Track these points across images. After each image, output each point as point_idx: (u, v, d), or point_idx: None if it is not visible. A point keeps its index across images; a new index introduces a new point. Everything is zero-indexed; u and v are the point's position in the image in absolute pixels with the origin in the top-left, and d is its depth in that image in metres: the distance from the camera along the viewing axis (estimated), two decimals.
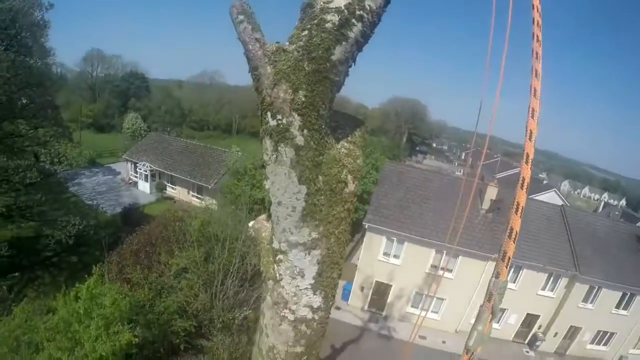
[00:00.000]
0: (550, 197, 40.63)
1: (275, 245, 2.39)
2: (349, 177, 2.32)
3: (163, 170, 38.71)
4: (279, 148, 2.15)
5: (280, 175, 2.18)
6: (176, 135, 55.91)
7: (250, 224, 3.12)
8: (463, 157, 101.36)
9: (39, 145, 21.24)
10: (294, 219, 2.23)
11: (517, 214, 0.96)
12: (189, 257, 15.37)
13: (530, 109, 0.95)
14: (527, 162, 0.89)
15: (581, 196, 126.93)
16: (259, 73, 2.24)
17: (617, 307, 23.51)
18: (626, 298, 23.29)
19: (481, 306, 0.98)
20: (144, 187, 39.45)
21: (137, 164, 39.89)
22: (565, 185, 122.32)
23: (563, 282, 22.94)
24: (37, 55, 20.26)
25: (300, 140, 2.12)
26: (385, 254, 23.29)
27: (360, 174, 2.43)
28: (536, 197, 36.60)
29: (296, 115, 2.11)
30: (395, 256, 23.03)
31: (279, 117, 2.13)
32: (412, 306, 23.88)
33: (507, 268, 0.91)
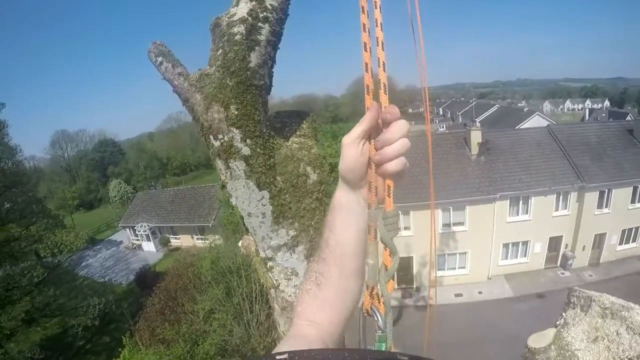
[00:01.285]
0: (535, 121, 40.69)
1: (262, 254, 2.45)
2: (308, 168, 2.37)
3: (162, 225, 38.55)
4: (229, 164, 2.22)
5: (240, 189, 2.24)
6: (163, 187, 55.73)
7: (240, 243, 3.18)
8: (441, 113, 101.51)
9: (36, 242, 21.17)
10: (267, 225, 2.29)
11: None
12: (212, 297, 15.35)
13: (363, 43, 0.94)
14: (367, 71, 0.89)
15: (565, 111, 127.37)
16: (190, 103, 2.32)
17: (633, 201, 23.63)
18: (638, 190, 23.52)
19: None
20: (149, 247, 39.26)
21: (135, 227, 39.66)
22: (547, 105, 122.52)
23: (573, 197, 23.05)
24: (4, 157, 20.23)
25: (246, 150, 2.18)
26: None
27: (320, 162, 2.49)
28: (522, 126, 36.85)
29: (235, 129, 2.17)
30: (406, 228, 23.09)
31: (220, 136, 2.20)
32: (439, 269, 23.97)
33: (389, 195, 0.89)
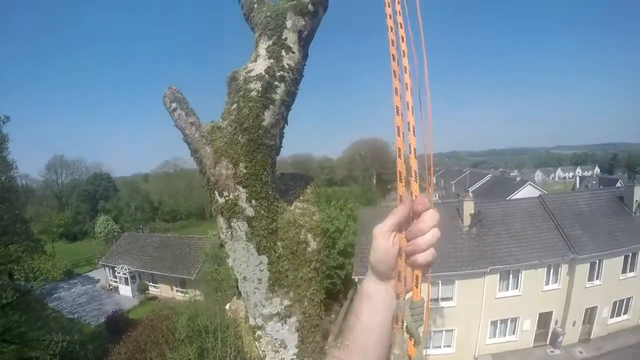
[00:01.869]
0: (527, 191, 41.34)
1: (252, 322, 2.30)
2: (309, 235, 2.30)
3: (143, 270, 37.58)
4: (232, 224, 2.13)
5: (239, 250, 2.14)
6: (150, 231, 55.01)
7: (227, 306, 3.03)
8: (434, 182, 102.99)
9: (12, 263, 20.57)
10: (262, 291, 2.17)
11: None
12: (183, 356, 14.65)
13: (395, 107, 0.94)
14: (399, 157, 0.87)
15: (556, 179, 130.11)
16: (199, 155, 2.26)
17: (624, 271, 23.59)
18: (629, 260, 23.48)
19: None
20: (126, 291, 38.06)
21: (115, 268, 38.69)
22: (539, 174, 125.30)
23: (564, 269, 22.90)
24: None
25: (250, 211, 2.10)
26: None
27: (320, 230, 2.41)
28: (514, 197, 37.21)
29: (241, 188, 2.10)
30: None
31: (225, 193, 2.12)
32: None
33: (417, 286, 0.87)
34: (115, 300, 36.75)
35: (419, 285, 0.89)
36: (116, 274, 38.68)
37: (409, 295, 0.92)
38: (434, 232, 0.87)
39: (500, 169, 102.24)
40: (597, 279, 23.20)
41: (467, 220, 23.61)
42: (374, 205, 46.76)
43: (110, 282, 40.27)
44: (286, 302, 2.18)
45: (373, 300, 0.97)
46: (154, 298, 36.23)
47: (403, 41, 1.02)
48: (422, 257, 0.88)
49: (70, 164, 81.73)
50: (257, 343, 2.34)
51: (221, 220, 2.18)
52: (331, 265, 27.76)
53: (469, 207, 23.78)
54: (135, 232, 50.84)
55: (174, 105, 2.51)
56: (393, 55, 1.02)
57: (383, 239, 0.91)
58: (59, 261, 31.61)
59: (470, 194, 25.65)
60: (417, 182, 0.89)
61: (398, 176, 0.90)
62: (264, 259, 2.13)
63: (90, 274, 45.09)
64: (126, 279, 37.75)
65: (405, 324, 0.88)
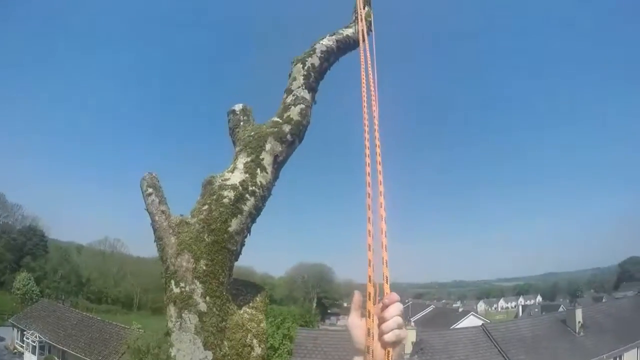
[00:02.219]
0: (470, 321, 41.64)
1: None
2: (255, 340, 2.42)
3: (54, 344, 33.94)
4: (182, 315, 2.24)
5: (185, 342, 2.22)
6: (71, 305, 50.93)
7: None
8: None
9: None
10: None
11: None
12: None
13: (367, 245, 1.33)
14: (370, 266, 1.28)
15: (499, 309, 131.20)
16: (163, 243, 2.46)
17: None
18: None
19: None
20: (31, 359, 34.14)
21: (25, 332, 34.92)
22: (481, 305, 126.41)
23: None
24: None
25: (203, 306, 2.25)
26: None
27: (266, 337, 2.56)
28: (457, 326, 37.34)
29: (198, 283, 2.28)
30: None
31: (182, 284, 2.28)
32: None
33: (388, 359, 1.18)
34: None
35: (389, 358, 1.12)
36: (25, 338, 34.79)
37: None
38: (396, 319, 1.13)
39: (443, 301, 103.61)
40: None
41: (408, 349, 23.37)
42: (312, 326, 45.93)
43: (17, 345, 36.14)
44: None
45: None
46: None
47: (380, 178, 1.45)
48: (387, 337, 1.12)
49: (7, 207, 76.51)
50: None
51: (172, 309, 2.31)
52: None
53: (410, 336, 23.65)
54: (55, 302, 47.05)
55: (150, 190, 2.74)
56: (368, 193, 1.42)
57: (353, 327, 1.23)
58: None
59: (412, 323, 25.81)
60: (387, 284, 1.20)
61: (368, 279, 1.23)
62: (209, 354, 2.23)
63: None
64: (34, 347, 33.94)
65: None
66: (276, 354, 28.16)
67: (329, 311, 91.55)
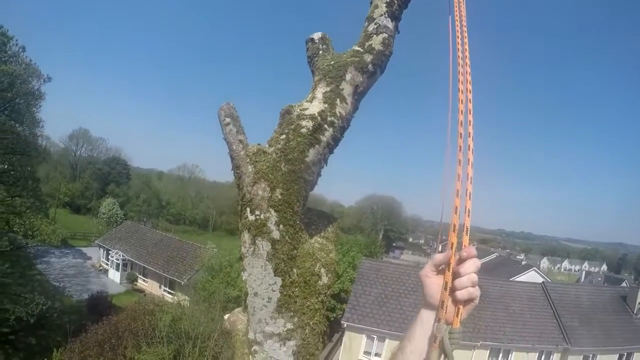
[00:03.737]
0: (531, 276, 40.72)
1: (251, 336, 2.42)
2: (322, 270, 2.43)
3: (136, 261, 37.55)
4: (256, 241, 2.28)
5: (257, 268, 2.28)
6: (152, 227, 55.23)
7: (226, 316, 3.15)
8: (440, 249, 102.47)
9: (14, 215, 20.67)
10: (269, 310, 2.29)
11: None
12: (158, 354, 14.53)
13: (457, 175, 1.22)
14: (455, 213, 1.14)
15: (562, 270, 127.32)
16: (240, 172, 2.45)
17: None
18: (624, 359, 22.79)
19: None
20: (115, 276, 38.02)
21: (110, 252, 38.80)
22: (545, 262, 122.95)
23: (556, 357, 22.41)
24: (27, 123, 20.48)
25: (276, 234, 2.26)
26: (366, 352, 22.37)
27: (334, 267, 2.56)
28: (517, 279, 36.66)
29: (273, 212, 2.28)
30: (377, 354, 22.12)
31: (257, 212, 2.29)
32: None
33: (457, 315, 1.09)
34: (102, 281, 36.67)
35: (459, 315, 1.09)
36: (109, 257, 38.76)
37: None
38: (471, 276, 1.08)
39: (507, 250, 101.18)
40: None
41: None
42: (376, 258, 46.69)
43: (102, 263, 40.35)
44: (289, 326, 2.31)
45: (424, 325, 1.18)
46: (141, 291, 36.05)
47: (470, 125, 1.32)
48: (459, 294, 1.08)
49: (92, 140, 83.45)
50: (250, 357, 2.46)
51: (246, 236, 2.35)
52: None
53: None
54: (137, 223, 51.11)
55: (227, 120, 2.72)
56: (460, 134, 1.32)
57: (428, 278, 1.19)
58: (59, 228, 31.62)
59: None
60: (467, 235, 1.14)
61: (452, 228, 1.16)
62: (279, 280, 2.27)
63: (84, 250, 45.29)
64: (118, 264, 37.77)
65: (442, 345, 1.07)
66: (339, 281, 29.13)
67: (393, 244, 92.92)
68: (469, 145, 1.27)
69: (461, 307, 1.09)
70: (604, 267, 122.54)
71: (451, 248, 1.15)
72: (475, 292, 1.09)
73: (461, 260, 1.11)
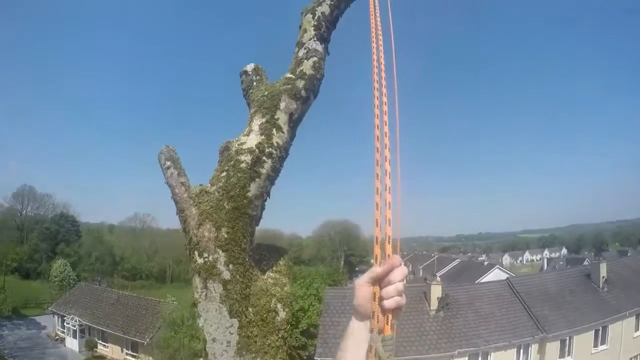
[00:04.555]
0: (495, 274, 41.68)
1: None
2: (279, 305, 2.39)
3: (94, 326, 35.25)
4: (207, 285, 2.22)
5: (212, 312, 2.21)
6: (107, 286, 52.77)
7: None
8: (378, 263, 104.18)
9: None
10: (230, 355, 2.21)
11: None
12: None
13: (375, 188, 1.27)
14: (377, 226, 1.23)
15: (524, 262, 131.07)
16: (185, 215, 2.40)
17: (595, 345, 23.74)
18: (600, 334, 23.62)
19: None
20: (72, 344, 35.57)
21: (65, 318, 36.40)
22: (507, 258, 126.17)
23: (534, 348, 22.79)
24: None
25: (226, 275, 2.21)
26: None
27: (290, 301, 2.52)
28: (482, 280, 37.47)
29: (221, 252, 2.23)
30: None
31: (205, 255, 2.24)
32: None
33: (387, 323, 1.13)
34: (60, 352, 34.19)
35: (389, 323, 1.12)
36: (65, 324, 36.32)
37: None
38: (396, 285, 1.12)
39: (469, 254, 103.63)
40: (568, 355, 23.22)
41: (434, 304, 23.42)
42: (340, 286, 46.53)
43: (58, 332, 37.71)
44: None
45: (356, 336, 1.21)
46: (102, 358, 33.97)
47: (386, 136, 1.36)
48: (387, 303, 1.11)
49: (38, 198, 78.43)
50: None
51: (197, 280, 2.27)
52: (293, 346, 26.97)
53: (436, 291, 23.72)
54: (92, 284, 48.82)
55: (168, 163, 2.67)
56: (377, 148, 1.36)
57: (362, 289, 1.19)
58: (9, 297, 29.26)
59: (438, 278, 25.77)
60: (390, 245, 1.18)
61: (375, 241, 1.21)
62: (235, 322, 2.20)
63: (38, 319, 42.22)
64: (75, 331, 35.42)
65: (378, 354, 1.11)
66: (305, 316, 28.58)
67: (356, 269, 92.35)
68: (386, 157, 1.32)
69: (389, 316, 1.13)
70: (564, 250, 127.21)
71: (375, 260, 1.20)
72: (402, 300, 1.13)
73: (387, 271, 1.15)
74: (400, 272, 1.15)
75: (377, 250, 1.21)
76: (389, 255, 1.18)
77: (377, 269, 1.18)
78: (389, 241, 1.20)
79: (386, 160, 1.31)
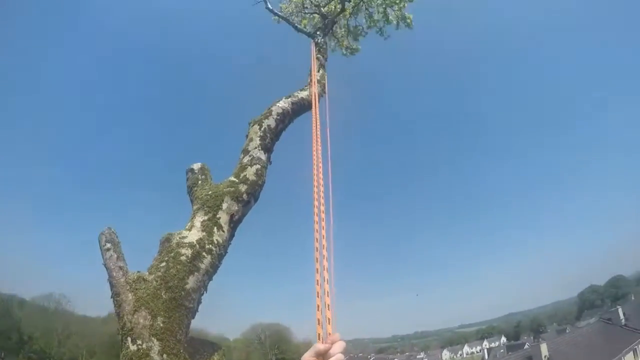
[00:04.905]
0: None
1: None
2: None
3: None
4: None
5: None
6: None
7: None
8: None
9: None
10: None
11: None
12: None
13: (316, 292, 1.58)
14: (318, 310, 1.53)
15: (464, 356, 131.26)
16: (120, 299, 2.51)
17: None
18: None
19: None
20: None
21: None
22: (446, 353, 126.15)
23: None
24: None
25: None
26: None
27: None
28: None
29: (155, 341, 2.33)
30: None
31: (139, 342, 2.33)
32: None
33: None
34: None
35: None
36: None
37: None
38: (339, 357, 1.27)
39: (407, 353, 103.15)
40: None
41: None
42: None
43: None
44: None
45: None
46: None
47: (324, 248, 1.70)
48: None
49: None
50: None
51: None
52: None
53: None
54: None
55: (108, 245, 2.81)
56: (316, 258, 1.66)
57: None
58: None
59: None
60: (330, 325, 1.41)
61: (317, 322, 1.44)
62: None
63: None
64: None
65: None
66: None
67: None
68: (324, 255, 1.66)
69: None
70: (503, 339, 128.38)
71: (318, 338, 1.41)
72: None
73: (327, 349, 1.32)
74: (340, 346, 1.31)
75: (319, 329, 1.41)
76: (329, 334, 1.37)
77: (320, 345, 1.34)
78: (329, 322, 1.43)
79: (325, 269, 1.65)
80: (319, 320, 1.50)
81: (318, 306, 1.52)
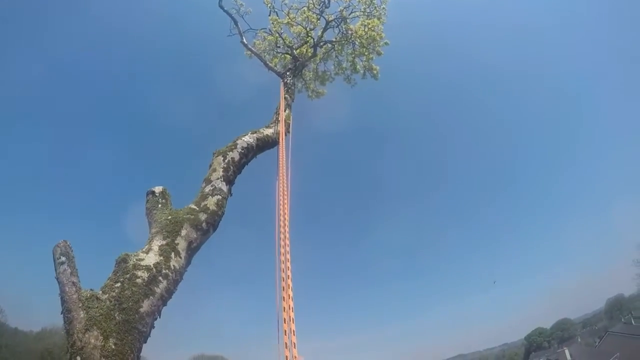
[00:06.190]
0: None
1: None
2: None
3: None
4: None
5: None
6: None
7: None
8: None
9: None
10: None
11: None
12: None
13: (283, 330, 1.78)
14: (285, 334, 1.59)
15: None
16: (71, 316, 2.52)
17: None
18: None
19: None
20: None
21: None
22: None
23: None
24: None
25: None
26: None
27: None
28: None
29: None
30: None
31: None
32: None
33: None
34: None
35: None
36: None
37: None
38: None
39: None
40: None
41: None
42: None
43: None
44: None
45: None
46: None
47: (289, 288, 1.96)
48: None
49: None
50: None
51: None
52: None
53: None
54: None
55: (62, 258, 2.81)
56: (283, 287, 1.88)
57: None
58: None
59: None
60: (295, 349, 1.57)
61: (285, 346, 1.62)
62: None
63: None
64: None
65: None
66: None
67: None
68: (291, 317, 1.88)
69: None
70: None
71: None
72: None
73: None
74: None
75: (286, 352, 1.59)
76: (295, 357, 1.53)
77: None
78: (294, 346, 1.59)
79: (290, 309, 1.86)
80: (285, 331, 1.72)
81: (285, 331, 1.74)
